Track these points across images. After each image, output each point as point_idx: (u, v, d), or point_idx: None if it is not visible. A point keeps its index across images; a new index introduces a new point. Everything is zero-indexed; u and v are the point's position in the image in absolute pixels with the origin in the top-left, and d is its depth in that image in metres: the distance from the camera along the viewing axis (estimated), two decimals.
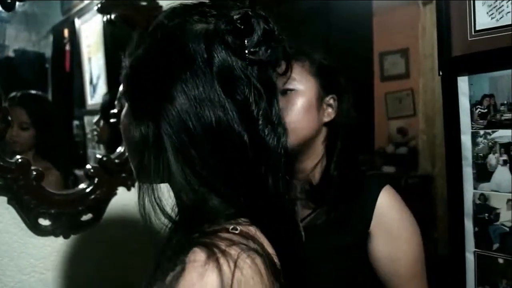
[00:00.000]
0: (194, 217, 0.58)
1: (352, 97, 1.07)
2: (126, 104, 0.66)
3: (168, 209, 0.62)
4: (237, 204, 0.59)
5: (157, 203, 0.61)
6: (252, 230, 0.57)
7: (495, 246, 1.00)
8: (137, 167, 0.65)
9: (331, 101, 1.03)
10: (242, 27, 0.59)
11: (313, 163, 1.02)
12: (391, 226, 0.94)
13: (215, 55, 0.59)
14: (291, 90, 0.99)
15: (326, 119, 1.03)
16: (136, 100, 0.64)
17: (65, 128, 1.38)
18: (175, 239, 0.58)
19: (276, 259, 0.57)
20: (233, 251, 0.52)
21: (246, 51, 0.59)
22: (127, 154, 0.71)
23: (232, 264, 0.50)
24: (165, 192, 0.64)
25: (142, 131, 0.60)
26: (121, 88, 0.69)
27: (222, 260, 0.50)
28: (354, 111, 1.06)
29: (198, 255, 0.51)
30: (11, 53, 1.24)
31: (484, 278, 1.01)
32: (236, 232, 0.55)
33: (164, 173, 0.60)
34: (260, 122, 0.60)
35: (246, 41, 0.59)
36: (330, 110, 1.03)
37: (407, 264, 0.93)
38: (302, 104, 0.99)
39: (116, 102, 1.26)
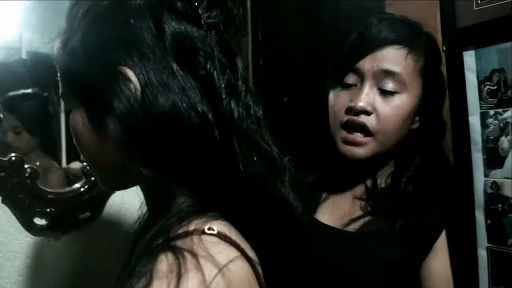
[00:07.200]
0: (161, 216, 0.50)
1: (444, 101, 0.91)
2: (73, 107, 0.58)
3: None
4: (206, 196, 0.51)
5: None
6: (227, 228, 0.49)
7: (511, 240, 0.89)
8: (105, 175, 0.60)
9: None
10: None
11: (379, 165, 0.90)
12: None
13: (166, 26, 0.51)
14: (396, 93, 0.82)
15: (414, 126, 0.88)
16: (85, 99, 0.55)
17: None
18: (142, 242, 0.50)
19: (258, 267, 0.49)
20: (208, 256, 0.44)
21: (200, 15, 0.52)
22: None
23: (208, 272, 0.42)
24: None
25: (103, 134, 0.53)
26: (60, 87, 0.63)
27: (193, 268, 0.42)
28: (443, 119, 0.91)
29: (163, 264, 0.43)
30: (24, 55, 1.24)
31: (499, 277, 0.91)
32: (213, 232, 0.47)
33: (133, 175, 0.52)
34: (225, 95, 0.52)
35: (196, 3, 0.52)
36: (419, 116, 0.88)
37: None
38: (403, 113, 0.83)
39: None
